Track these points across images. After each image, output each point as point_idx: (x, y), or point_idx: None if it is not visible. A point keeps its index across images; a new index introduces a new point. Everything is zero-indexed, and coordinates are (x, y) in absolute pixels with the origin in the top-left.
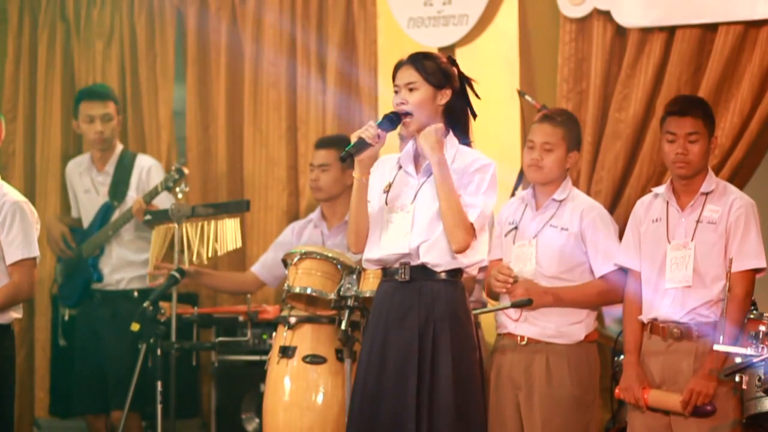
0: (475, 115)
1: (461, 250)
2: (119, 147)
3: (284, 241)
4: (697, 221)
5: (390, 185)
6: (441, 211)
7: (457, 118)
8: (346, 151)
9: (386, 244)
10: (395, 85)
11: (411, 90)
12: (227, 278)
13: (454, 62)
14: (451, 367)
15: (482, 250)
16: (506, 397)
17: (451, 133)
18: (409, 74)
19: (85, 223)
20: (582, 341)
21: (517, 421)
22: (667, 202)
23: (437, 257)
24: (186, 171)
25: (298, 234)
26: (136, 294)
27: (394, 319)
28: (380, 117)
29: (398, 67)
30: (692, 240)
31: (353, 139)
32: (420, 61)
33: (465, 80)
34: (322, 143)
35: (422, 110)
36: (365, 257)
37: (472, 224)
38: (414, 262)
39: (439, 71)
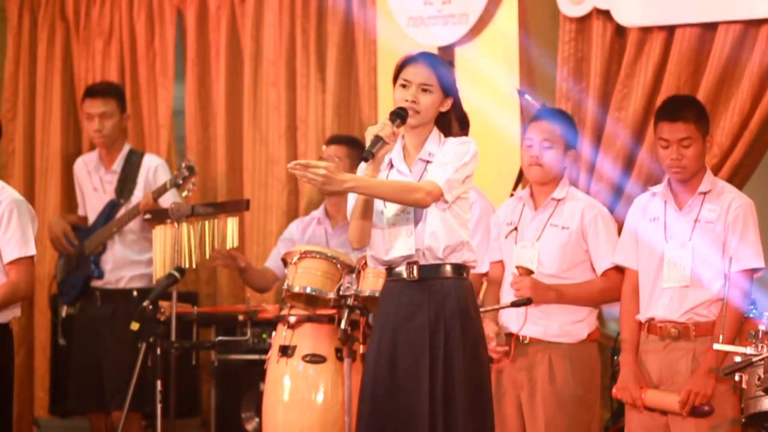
0: (468, 126)
1: (427, 205)
2: (126, 146)
3: (289, 237)
4: (695, 221)
5: None
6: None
7: (447, 125)
8: (368, 150)
9: (392, 247)
10: (405, 80)
11: (424, 90)
12: (259, 274)
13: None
14: (464, 363)
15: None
16: (508, 396)
17: (436, 129)
18: (426, 75)
19: (91, 221)
20: (584, 340)
21: (519, 420)
22: (665, 202)
23: (441, 251)
24: (196, 169)
25: (302, 231)
26: (135, 293)
27: (403, 318)
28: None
29: (411, 61)
30: (690, 239)
31: (370, 137)
32: (438, 64)
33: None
34: (334, 140)
35: (427, 113)
36: (372, 256)
37: (437, 186)
38: (422, 261)
39: (451, 79)
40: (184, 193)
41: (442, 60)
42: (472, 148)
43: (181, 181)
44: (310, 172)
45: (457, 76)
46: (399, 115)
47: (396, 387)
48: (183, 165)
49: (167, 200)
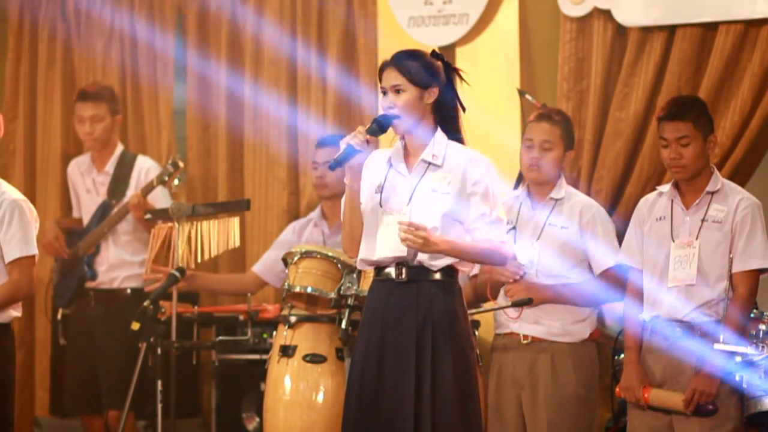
0: (464, 109)
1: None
2: (119, 147)
3: (285, 239)
4: (703, 220)
5: (381, 186)
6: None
7: (447, 113)
8: (335, 160)
9: (383, 247)
10: (382, 88)
11: (397, 92)
12: (225, 280)
13: (439, 56)
14: (452, 366)
15: None
16: (508, 396)
17: (439, 129)
18: (393, 76)
19: (86, 222)
20: (586, 339)
21: (519, 420)
22: (672, 201)
23: (434, 257)
24: (181, 164)
25: (299, 233)
26: (129, 292)
27: (391, 319)
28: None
29: (383, 68)
30: (697, 239)
31: (342, 146)
32: (403, 61)
33: (452, 71)
34: (326, 141)
35: (410, 112)
36: (360, 258)
37: (502, 242)
38: (411, 263)
39: (424, 70)
40: (172, 189)
41: (414, 54)
42: (494, 175)
43: (166, 178)
44: (412, 233)
45: (434, 64)
46: (377, 123)
47: (382, 387)
48: (169, 162)
49: (157, 198)
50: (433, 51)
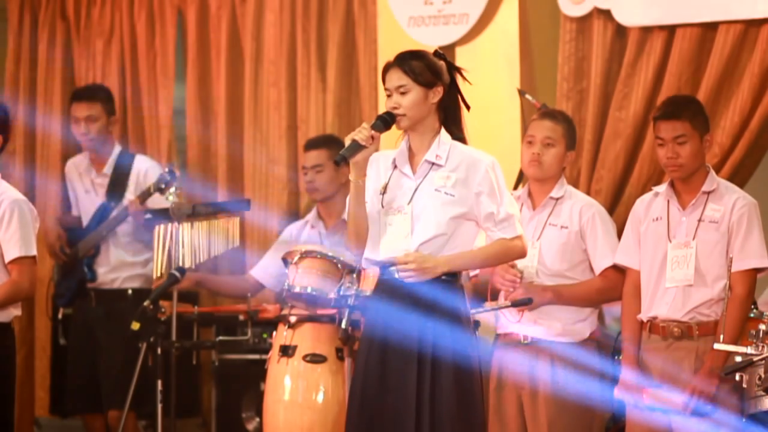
0: (468, 107)
1: (525, 253)
2: (117, 148)
3: (284, 241)
4: (699, 220)
5: (386, 186)
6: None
7: (451, 112)
8: (340, 154)
9: (386, 247)
10: (386, 89)
11: (402, 93)
12: (228, 283)
13: (441, 56)
14: (452, 367)
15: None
16: (508, 396)
17: (443, 129)
18: (398, 77)
19: (85, 223)
20: (586, 339)
21: (520, 420)
22: (668, 201)
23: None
24: (178, 173)
25: (296, 235)
26: (130, 292)
27: (393, 319)
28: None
29: (386, 69)
30: (694, 239)
31: (347, 141)
32: (407, 62)
33: (455, 71)
34: (313, 144)
35: (415, 112)
36: (365, 257)
37: (519, 235)
38: None
39: (428, 70)
40: (169, 197)
41: (417, 54)
42: (499, 172)
43: (163, 186)
44: (402, 269)
45: (437, 63)
46: (382, 119)
47: (385, 386)
48: (166, 169)
49: (154, 203)
50: (436, 51)
